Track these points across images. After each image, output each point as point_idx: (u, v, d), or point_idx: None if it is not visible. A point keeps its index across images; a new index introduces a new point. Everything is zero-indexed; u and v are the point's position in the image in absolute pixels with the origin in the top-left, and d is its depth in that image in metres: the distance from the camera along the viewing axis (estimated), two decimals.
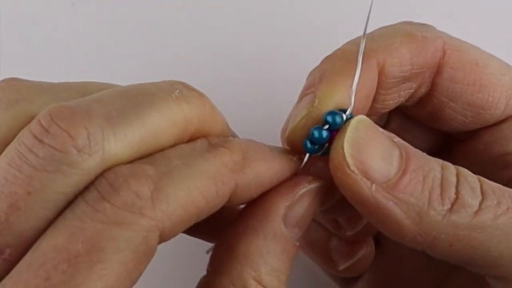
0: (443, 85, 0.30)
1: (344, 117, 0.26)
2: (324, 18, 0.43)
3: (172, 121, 0.24)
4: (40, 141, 0.22)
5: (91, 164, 0.22)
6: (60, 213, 0.22)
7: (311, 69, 0.29)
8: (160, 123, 0.24)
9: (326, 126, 0.26)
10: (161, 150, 0.24)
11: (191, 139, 0.25)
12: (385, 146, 0.26)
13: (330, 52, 0.29)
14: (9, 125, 0.24)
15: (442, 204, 0.25)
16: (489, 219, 0.26)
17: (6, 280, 0.22)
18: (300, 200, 0.26)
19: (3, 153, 0.23)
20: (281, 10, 0.43)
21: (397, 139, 0.27)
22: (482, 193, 0.26)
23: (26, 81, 0.25)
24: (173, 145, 0.25)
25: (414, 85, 0.30)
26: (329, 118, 0.26)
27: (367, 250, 0.34)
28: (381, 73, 0.28)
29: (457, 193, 0.26)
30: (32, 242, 0.22)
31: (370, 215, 0.26)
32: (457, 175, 0.26)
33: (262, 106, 0.41)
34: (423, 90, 0.30)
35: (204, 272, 0.26)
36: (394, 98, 0.30)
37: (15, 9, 0.42)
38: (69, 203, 0.22)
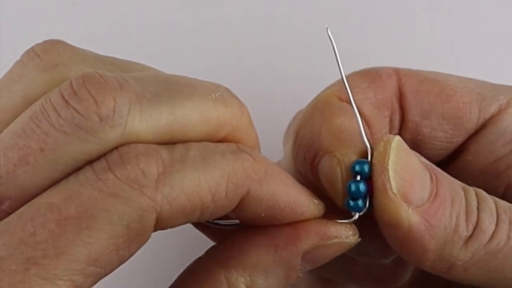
0: (411, 106, 0.30)
1: (368, 161, 0.26)
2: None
3: (204, 117, 0.24)
4: (66, 101, 0.22)
5: (109, 136, 0.22)
6: (67, 177, 0.22)
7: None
8: (191, 116, 0.24)
9: (358, 178, 0.26)
10: (186, 142, 0.24)
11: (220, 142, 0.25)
12: (419, 168, 0.26)
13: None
14: (43, 87, 0.24)
15: (466, 230, 0.25)
16: (503, 241, 0.26)
17: None
18: (329, 247, 0.26)
19: (31, 107, 0.23)
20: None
21: (423, 159, 0.27)
22: (497, 214, 0.26)
23: (71, 46, 0.25)
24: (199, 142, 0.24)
25: (387, 113, 0.30)
26: (358, 168, 0.26)
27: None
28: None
29: (477, 217, 0.26)
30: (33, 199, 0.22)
31: (399, 240, 0.26)
32: (477, 198, 0.26)
33: (262, 104, 0.41)
34: (396, 117, 0.30)
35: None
36: (379, 132, 0.30)
37: (15, 9, 0.42)
38: (78, 170, 0.22)
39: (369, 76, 0.30)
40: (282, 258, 0.25)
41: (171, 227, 0.23)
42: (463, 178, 0.27)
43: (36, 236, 0.21)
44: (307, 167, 0.28)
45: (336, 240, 0.26)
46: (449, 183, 0.26)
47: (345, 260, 0.30)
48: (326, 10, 0.43)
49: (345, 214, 0.27)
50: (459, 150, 0.31)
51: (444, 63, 0.42)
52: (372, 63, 0.41)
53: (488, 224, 0.26)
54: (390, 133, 0.30)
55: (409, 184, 0.25)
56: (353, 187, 0.26)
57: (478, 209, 0.26)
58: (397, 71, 0.30)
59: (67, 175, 0.22)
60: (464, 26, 0.43)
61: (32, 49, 0.25)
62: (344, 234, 0.26)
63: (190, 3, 0.43)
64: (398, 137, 0.26)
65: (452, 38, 0.42)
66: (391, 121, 0.30)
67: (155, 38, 0.42)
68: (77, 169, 0.22)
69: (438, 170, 0.27)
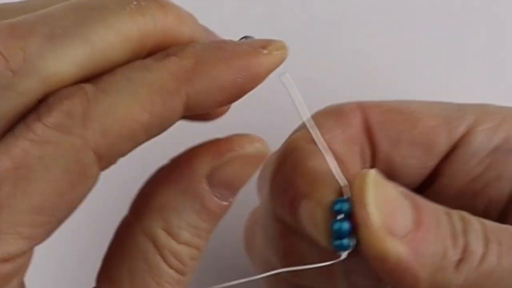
0: (379, 138, 0.30)
1: (347, 198, 0.26)
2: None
3: (124, 36, 0.23)
4: None
5: (28, 85, 0.22)
6: (2, 137, 0.22)
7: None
8: (109, 39, 0.23)
9: (340, 216, 0.26)
10: (114, 67, 0.23)
11: (150, 54, 0.24)
12: (399, 199, 0.26)
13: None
14: None
15: (455, 254, 0.25)
16: (494, 262, 0.25)
17: None
18: (229, 164, 0.25)
19: None
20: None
21: (402, 188, 0.26)
22: (485, 236, 0.26)
23: None
24: (127, 62, 0.24)
25: (357, 148, 0.30)
26: (338, 207, 0.26)
27: None
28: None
29: (465, 240, 0.26)
30: None
31: (389, 273, 0.25)
32: (462, 221, 0.26)
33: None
34: (367, 150, 0.30)
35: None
36: (353, 168, 0.29)
37: None
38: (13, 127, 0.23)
39: (333, 114, 0.30)
40: (185, 190, 0.25)
41: (122, 155, 0.23)
42: (442, 201, 0.27)
43: None
44: (287, 214, 0.28)
45: (231, 154, 0.25)
46: (432, 209, 0.26)
47: None
48: (326, 10, 0.43)
49: (334, 253, 0.27)
50: (434, 175, 0.30)
51: (444, 63, 0.42)
52: (373, 63, 0.41)
53: (477, 246, 0.25)
54: (363, 167, 0.30)
55: (391, 216, 0.25)
56: (336, 226, 0.26)
57: (464, 232, 0.26)
58: (359, 105, 0.30)
59: (2, 134, 0.22)
60: (464, 27, 0.43)
61: None
62: (237, 146, 0.25)
63: (190, 3, 0.43)
64: (373, 171, 0.26)
65: (453, 38, 0.42)
66: (362, 155, 0.30)
67: None
68: (12, 126, 0.22)
69: (418, 197, 0.26)
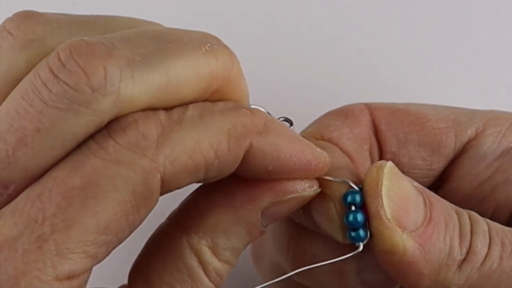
0: (386, 138, 0.30)
1: (359, 191, 0.26)
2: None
3: (197, 74, 0.24)
4: (56, 76, 0.22)
5: (104, 105, 0.22)
6: (70, 153, 0.22)
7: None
8: (184, 74, 0.23)
9: (353, 208, 0.26)
10: (182, 102, 0.24)
11: (213, 97, 0.25)
12: (412, 193, 0.26)
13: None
14: (25, 66, 0.23)
15: (460, 253, 0.26)
16: (496, 263, 0.26)
17: (5, 209, 0.22)
18: (287, 202, 0.26)
19: (19, 84, 0.23)
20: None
21: (416, 183, 0.27)
22: (490, 237, 0.26)
23: (42, 16, 0.25)
24: (194, 99, 0.24)
25: (366, 147, 0.30)
26: (350, 199, 0.26)
27: None
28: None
29: (471, 240, 0.26)
30: (37, 180, 0.22)
31: (394, 266, 0.26)
32: (470, 220, 0.26)
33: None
34: (375, 150, 0.30)
35: None
36: (362, 166, 0.30)
37: (15, 8, 0.42)
38: (80, 144, 0.22)
39: (342, 114, 0.30)
40: (241, 217, 0.25)
41: (178, 187, 0.24)
42: None
43: (45, 212, 0.21)
44: (299, 213, 0.28)
45: (293, 195, 0.26)
46: (443, 206, 0.27)
47: None
48: (326, 10, 0.43)
49: (350, 248, 0.27)
50: (443, 178, 0.31)
51: (444, 64, 0.42)
52: (373, 62, 0.41)
53: (481, 247, 0.26)
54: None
55: (403, 209, 0.26)
56: (351, 217, 0.26)
57: (471, 232, 0.26)
58: (368, 106, 0.31)
59: (69, 151, 0.22)
60: (464, 27, 0.43)
61: (3, 27, 0.25)
62: (300, 188, 0.26)
63: (190, 4, 0.43)
64: (390, 163, 0.26)
65: (453, 39, 0.42)
66: (371, 154, 0.30)
67: None
68: (79, 144, 0.22)
69: (431, 193, 0.27)
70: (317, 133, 0.29)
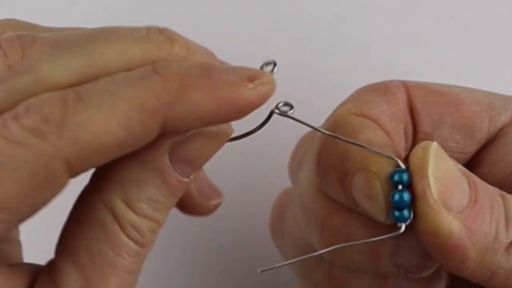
0: (421, 117, 0.29)
1: (406, 170, 0.26)
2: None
3: (124, 55, 0.24)
4: None
5: (19, 83, 0.23)
6: None
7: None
8: (110, 56, 0.24)
9: (400, 187, 0.26)
10: None
11: None
12: (457, 174, 0.26)
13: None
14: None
15: (507, 237, 0.25)
16: None
17: None
18: (191, 140, 0.25)
19: None
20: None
21: (460, 166, 0.26)
22: None
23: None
24: None
25: (402, 125, 0.29)
26: (397, 177, 0.26)
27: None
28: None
29: None
30: None
31: (439, 248, 0.25)
32: None
33: None
34: (409, 128, 0.30)
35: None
36: (398, 144, 0.29)
37: (15, 8, 0.42)
38: None
39: (379, 90, 0.30)
40: (147, 162, 0.25)
41: (89, 167, 0.24)
42: None
43: None
44: (337, 190, 0.28)
45: (194, 131, 0.25)
46: (487, 189, 0.26)
47: (377, 276, 0.29)
48: (326, 10, 0.43)
49: (388, 229, 0.26)
50: (474, 163, 0.30)
51: (444, 64, 0.42)
52: (373, 62, 0.41)
53: None
54: (406, 145, 0.30)
55: (449, 190, 0.25)
56: (397, 196, 0.25)
57: None
58: (404, 84, 0.30)
59: None
60: (464, 27, 0.43)
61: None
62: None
63: (191, 4, 0.43)
64: (435, 143, 0.26)
65: (453, 39, 0.42)
66: (406, 132, 0.30)
67: None
68: None
69: (475, 176, 0.26)
70: (357, 109, 0.29)
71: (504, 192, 0.26)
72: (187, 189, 0.26)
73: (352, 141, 0.27)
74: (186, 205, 0.28)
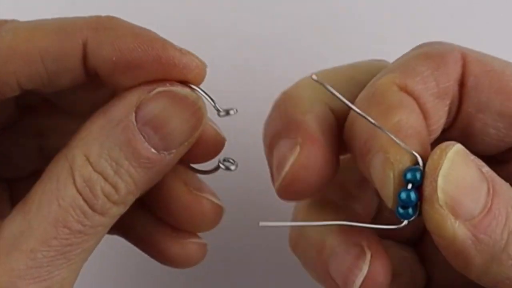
0: (469, 96, 0.28)
1: (421, 168, 0.25)
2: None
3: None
4: None
5: None
6: None
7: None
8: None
9: (410, 186, 0.25)
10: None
11: (89, 48, 0.26)
12: (475, 181, 0.25)
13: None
14: None
15: None
16: None
17: None
18: (156, 98, 0.25)
19: None
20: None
21: (486, 169, 0.25)
22: None
23: None
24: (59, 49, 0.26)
25: (447, 102, 0.28)
26: (410, 176, 0.25)
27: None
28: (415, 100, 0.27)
29: None
30: None
31: (443, 247, 0.25)
32: None
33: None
34: (454, 105, 0.28)
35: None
36: (437, 123, 0.28)
37: (15, 8, 0.42)
38: None
39: (434, 61, 0.28)
40: (111, 117, 0.25)
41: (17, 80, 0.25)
42: None
43: None
44: (360, 160, 0.27)
45: (159, 89, 0.25)
46: (507, 198, 0.25)
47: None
48: (326, 10, 0.43)
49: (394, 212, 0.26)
50: (510, 153, 0.29)
51: None
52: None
53: None
54: (447, 122, 0.29)
55: (460, 196, 0.24)
56: (404, 195, 0.25)
57: None
58: (464, 56, 0.28)
59: None
60: (465, 27, 0.42)
61: None
62: (169, 83, 0.26)
63: (191, 4, 0.43)
64: (458, 146, 0.25)
65: (453, 39, 0.42)
66: (449, 109, 0.28)
67: None
68: None
69: (498, 182, 0.25)
70: (402, 81, 0.27)
71: None
72: (156, 168, 0.26)
73: (378, 125, 0.25)
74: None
